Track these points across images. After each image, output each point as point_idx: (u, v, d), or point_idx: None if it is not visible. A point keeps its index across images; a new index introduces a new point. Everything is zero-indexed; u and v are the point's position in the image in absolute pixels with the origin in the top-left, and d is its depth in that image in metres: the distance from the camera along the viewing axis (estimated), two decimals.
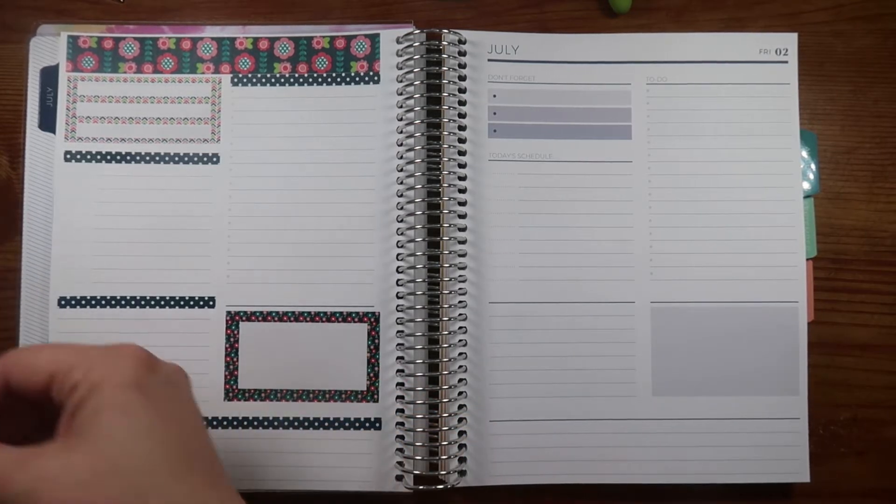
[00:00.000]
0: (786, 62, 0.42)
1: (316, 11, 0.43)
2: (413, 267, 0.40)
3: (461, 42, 0.42)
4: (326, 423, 0.40)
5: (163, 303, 0.41)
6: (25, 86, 0.42)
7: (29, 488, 0.25)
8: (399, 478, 0.40)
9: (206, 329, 0.41)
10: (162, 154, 0.41)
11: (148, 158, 0.41)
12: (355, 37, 0.42)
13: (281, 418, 0.40)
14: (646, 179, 0.42)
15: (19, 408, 0.29)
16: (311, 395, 0.40)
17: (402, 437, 0.40)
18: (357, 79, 0.42)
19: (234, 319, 0.41)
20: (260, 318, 0.41)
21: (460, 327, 0.41)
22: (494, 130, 0.42)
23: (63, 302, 0.40)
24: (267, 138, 0.42)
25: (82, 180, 0.41)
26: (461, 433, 0.40)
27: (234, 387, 0.40)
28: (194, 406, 0.30)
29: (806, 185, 0.42)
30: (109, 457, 0.26)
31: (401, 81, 0.41)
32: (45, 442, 0.26)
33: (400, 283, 0.41)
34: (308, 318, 0.41)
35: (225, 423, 0.40)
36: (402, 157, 0.41)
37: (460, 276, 0.41)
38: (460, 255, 0.41)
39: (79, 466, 0.26)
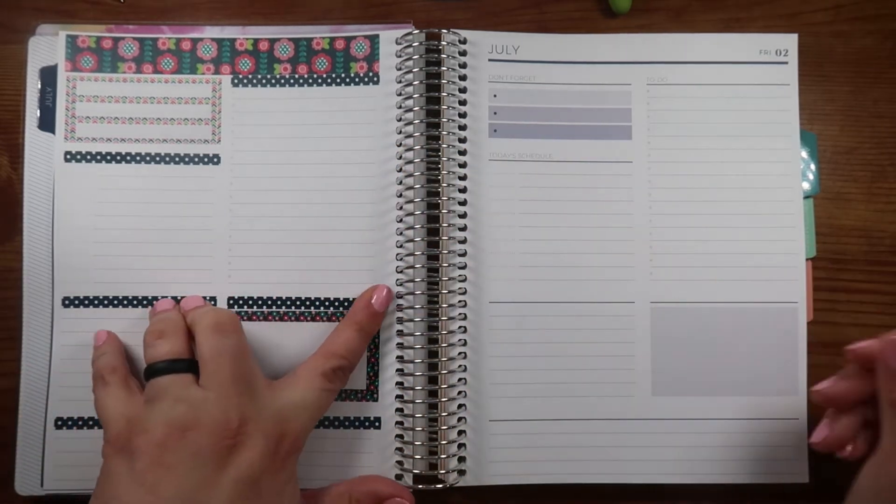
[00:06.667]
0: (786, 63, 0.42)
1: (316, 12, 0.43)
2: (412, 267, 0.40)
3: (461, 42, 0.42)
4: (326, 423, 0.40)
5: None
6: (24, 86, 0.42)
7: None
8: (398, 477, 0.40)
9: None
10: (163, 154, 0.41)
11: (149, 159, 0.41)
12: (355, 38, 0.42)
13: None
14: (646, 179, 0.42)
15: None
16: None
17: (401, 437, 0.40)
18: (357, 79, 0.42)
19: None
20: (261, 318, 0.41)
21: (460, 327, 0.41)
22: (495, 130, 0.42)
23: (67, 302, 0.41)
24: (267, 139, 0.42)
25: (83, 181, 0.41)
26: (461, 433, 0.40)
27: None
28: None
29: (806, 186, 0.42)
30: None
31: (400, 82, 0.41)
32: None
33: (399, 282, 0.41)
34: (309, 318, 0.41)
35: None
36: (401, 158, 0.41)
37: (460, 275, 0.41)
38: (460, 255, 0.41)
39: None
